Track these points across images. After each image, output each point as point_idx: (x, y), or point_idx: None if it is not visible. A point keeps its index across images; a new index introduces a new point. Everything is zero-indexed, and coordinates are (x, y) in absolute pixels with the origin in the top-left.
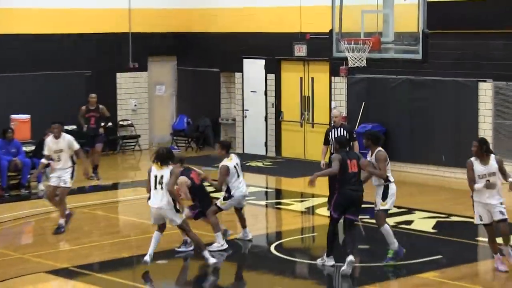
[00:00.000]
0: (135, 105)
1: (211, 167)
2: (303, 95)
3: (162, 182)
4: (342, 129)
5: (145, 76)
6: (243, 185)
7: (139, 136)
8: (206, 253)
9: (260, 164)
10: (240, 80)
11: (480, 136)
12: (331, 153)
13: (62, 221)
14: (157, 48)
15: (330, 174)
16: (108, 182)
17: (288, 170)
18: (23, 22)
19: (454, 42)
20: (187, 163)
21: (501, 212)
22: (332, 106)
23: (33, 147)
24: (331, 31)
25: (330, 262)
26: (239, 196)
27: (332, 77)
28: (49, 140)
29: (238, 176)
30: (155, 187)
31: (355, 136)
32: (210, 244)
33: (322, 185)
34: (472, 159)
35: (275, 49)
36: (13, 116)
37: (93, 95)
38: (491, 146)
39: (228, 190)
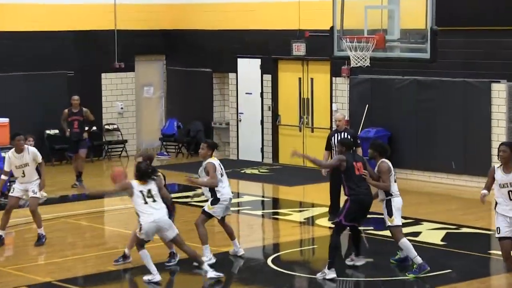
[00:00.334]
0: (122, 108)
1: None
2: (302, 97)
3: (151, 196)
4: (345, 133)
5: (132, 76)
6: (228, 186)
7: (126, 141)
8: (205, 266)
9: (255, 171)
10: (234, 81)
11: (503, 141)
12: None
13: (41, 231)
14: (144, 47)
15: (321, 165)
16: (92, 190)
17: (286, 177)
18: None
19: (464, 40)
20: (179, 170)
21: None
22: (333, 109)
23: None
24: (332, 28)
25: (332, 275)
26: (226, 198)
27: (333, 78)
28: (11, 155)
29: (222, 175)
30: (146, 202)
31: (359, 141)
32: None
33: (322, 194)
34: (495, 166)
35: (271, 47)
36: None
37: (76, 97)
38: None
39: (213, 194)
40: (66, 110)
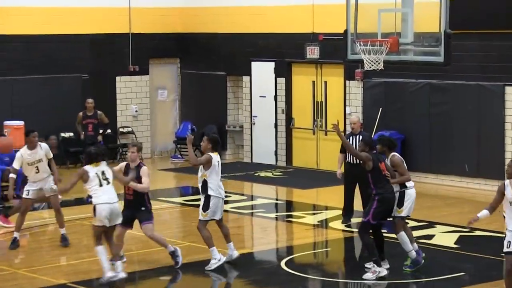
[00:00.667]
0: (136, 111)
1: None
2: (315, 100)
3: (106, 178)
4: (361, 136)
5: (146, 79)
6: (221, 185)
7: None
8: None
9: (269, 174)
10: (248, 84)
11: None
12: (347, 162)
13: (63, 231)
14: (159, 50)
15: (351, 151)
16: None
17: (299, 180)
18: (14, 22)
19: (478, 43)
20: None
21: None
22: (347, 112)
23: None
24: (345, 31)
25: (384, 272)
26: (216, 201)
27: (347, 81)
28: (23, 152)
29: (217, 175)
30: (101, 184)
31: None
32: (208, 261)
33: (335, 197)
34: (506, 182)
35: (285, 51)
36: (6, 123)
37: (91, 100)
38: None
39: (207, 196)
40: (80, 113)
